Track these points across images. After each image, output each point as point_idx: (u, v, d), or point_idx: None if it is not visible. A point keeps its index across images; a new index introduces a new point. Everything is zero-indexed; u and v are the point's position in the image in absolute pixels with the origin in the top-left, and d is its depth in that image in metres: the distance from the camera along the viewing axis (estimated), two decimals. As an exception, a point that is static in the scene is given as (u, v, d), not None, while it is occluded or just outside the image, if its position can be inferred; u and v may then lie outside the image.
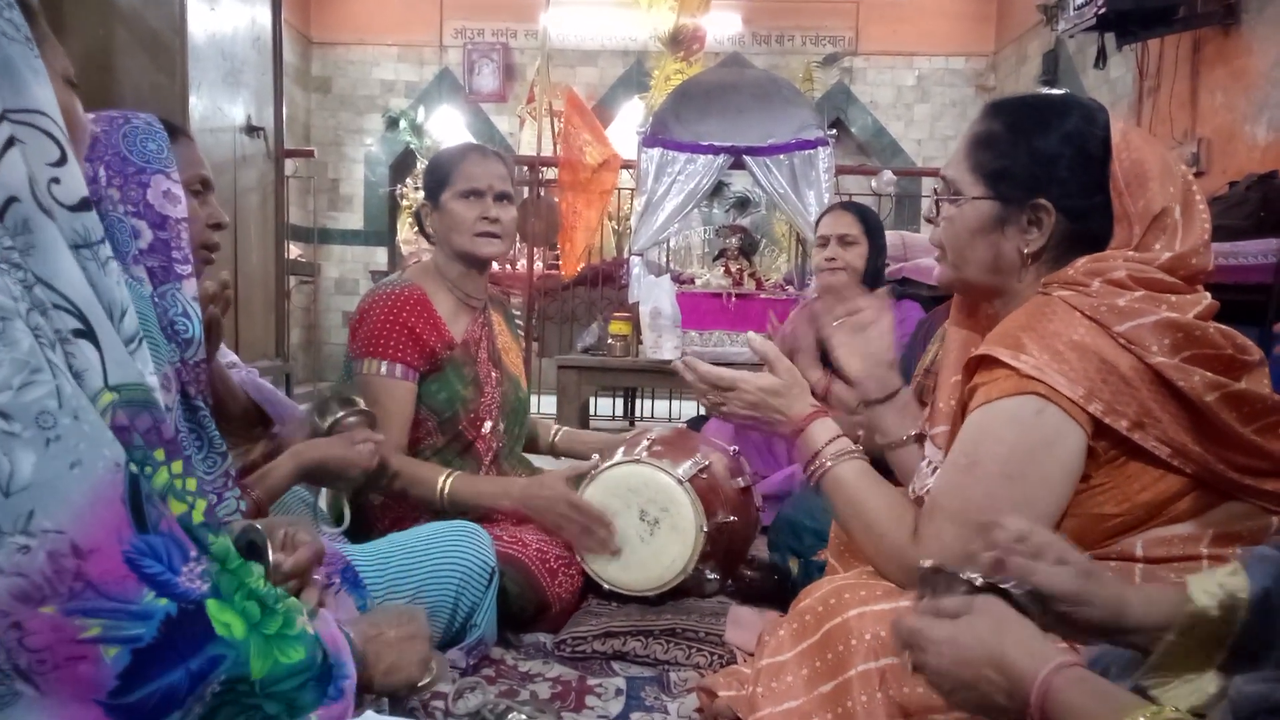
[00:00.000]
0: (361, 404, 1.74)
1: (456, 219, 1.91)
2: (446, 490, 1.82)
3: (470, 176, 1.91)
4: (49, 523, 0.67)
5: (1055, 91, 1.34)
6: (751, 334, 1.36)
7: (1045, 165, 1.11)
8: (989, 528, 0.86)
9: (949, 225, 1.18)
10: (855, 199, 4.90)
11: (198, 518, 0.80)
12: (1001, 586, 0.81)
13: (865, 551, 1.19)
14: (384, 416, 1.81)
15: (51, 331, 0.72)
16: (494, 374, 2.00)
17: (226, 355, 1.75)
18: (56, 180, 0.76)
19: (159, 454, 0.78)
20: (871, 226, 2.61)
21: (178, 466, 0.80)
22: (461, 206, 1.90)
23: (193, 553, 0.75)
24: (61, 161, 0.76)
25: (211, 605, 0.75)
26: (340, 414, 1.71)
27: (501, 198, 1.93)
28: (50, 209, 0.75)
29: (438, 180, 1.95)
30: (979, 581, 0.83)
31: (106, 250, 0.81)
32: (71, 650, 0.68)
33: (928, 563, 0.89)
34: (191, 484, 0.82)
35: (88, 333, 0.75)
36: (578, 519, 1.79)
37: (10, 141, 0.72)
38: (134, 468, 0.74)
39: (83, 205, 0.78)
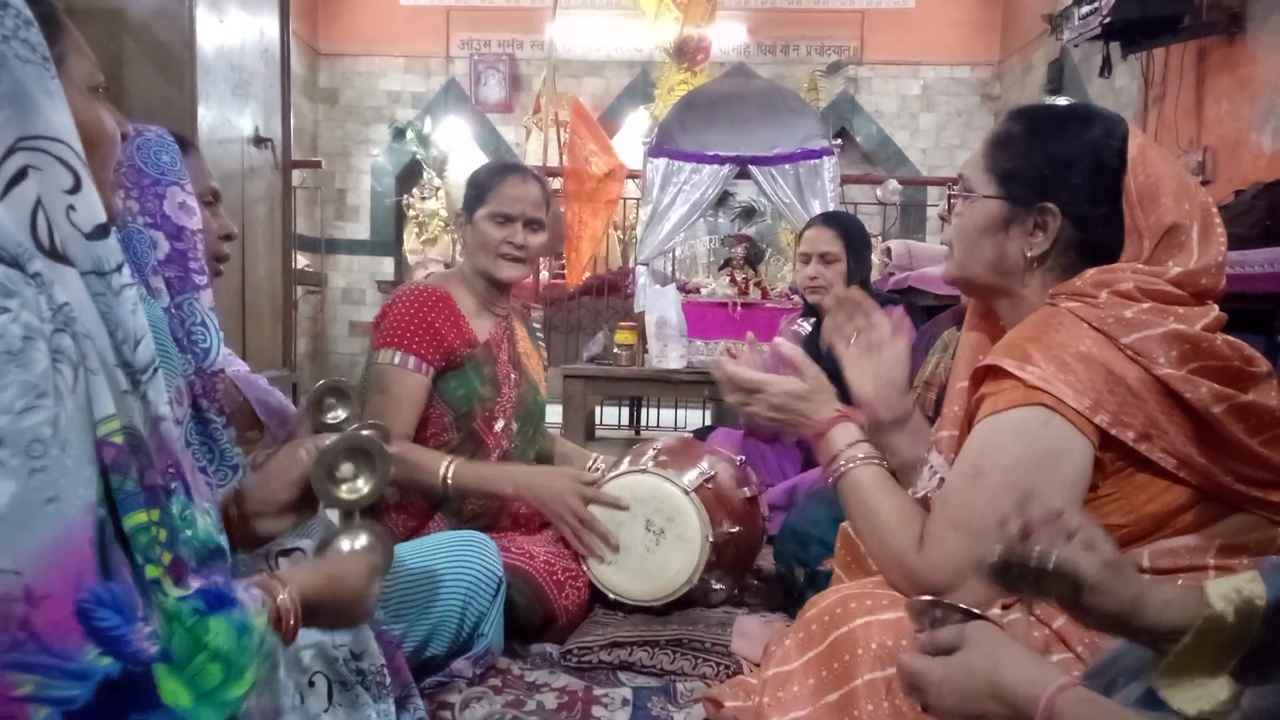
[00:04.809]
0: (352, 397, 1.70)
1: (484, 238, 1.93)
2: (450, 475, 1.81)
3: (504, 200, 1.93)
4: (8, 562, 0.63)
5: (1080, 103, 1.34)
6: (779, 339, 1.35)
7: (1056, 170, 1.11)
8: (1024, 504, 0.85)
9: (958, 221, 1.20)
10: (860, 208, 4.92)
11: (153, 572, 0.75)
12: (1018, 564, 0.81)
13: (871, 555, 1.20)
14: (391, 404, 1.81)
15: (76, 353, 0.70)
16: (513, 375, 2.01)
17: (226, 357, 1.75)
18: (73, 208, 0.74)
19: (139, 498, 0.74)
20: (853, 240, 2.57)
21: (155, 514, 0.76)
22: (491, 228, 1.93)
23: (140, 612, 0.69)
24: (76, 188, 0.74)
25: (159, 670, 0.69)
26: (342, 414, 1.67)
27: (532, 224, 1.96)
28: (61, 243, 0.72)
29: (475, 196, 1.97)
30: (974, 610, 0.83)
31: (121, 278, 0.78)
32: (1, 709, 0.62)
33: (923, 597, 0.89)
34: (163, 534, 0.77)
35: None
36: (574, 519, 1.80)
37: (22, 174, 0.70)
38: (102, 510, 0.70)
39: (99, 232, 0.76)
